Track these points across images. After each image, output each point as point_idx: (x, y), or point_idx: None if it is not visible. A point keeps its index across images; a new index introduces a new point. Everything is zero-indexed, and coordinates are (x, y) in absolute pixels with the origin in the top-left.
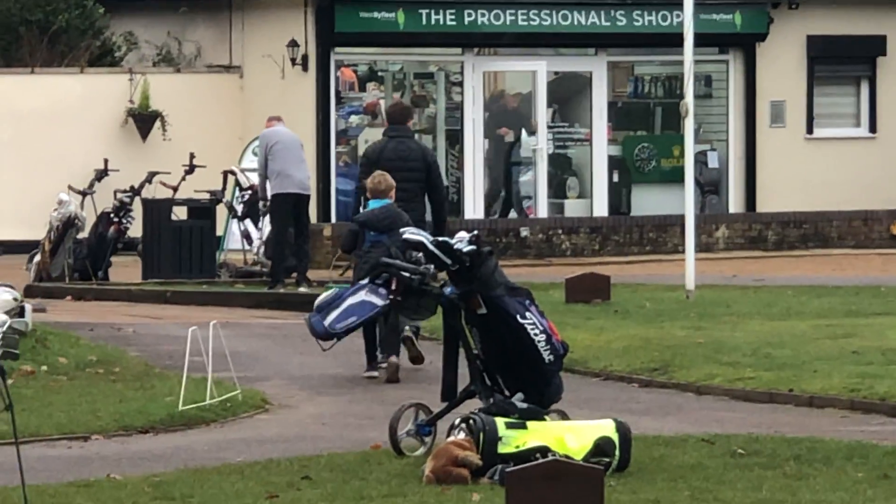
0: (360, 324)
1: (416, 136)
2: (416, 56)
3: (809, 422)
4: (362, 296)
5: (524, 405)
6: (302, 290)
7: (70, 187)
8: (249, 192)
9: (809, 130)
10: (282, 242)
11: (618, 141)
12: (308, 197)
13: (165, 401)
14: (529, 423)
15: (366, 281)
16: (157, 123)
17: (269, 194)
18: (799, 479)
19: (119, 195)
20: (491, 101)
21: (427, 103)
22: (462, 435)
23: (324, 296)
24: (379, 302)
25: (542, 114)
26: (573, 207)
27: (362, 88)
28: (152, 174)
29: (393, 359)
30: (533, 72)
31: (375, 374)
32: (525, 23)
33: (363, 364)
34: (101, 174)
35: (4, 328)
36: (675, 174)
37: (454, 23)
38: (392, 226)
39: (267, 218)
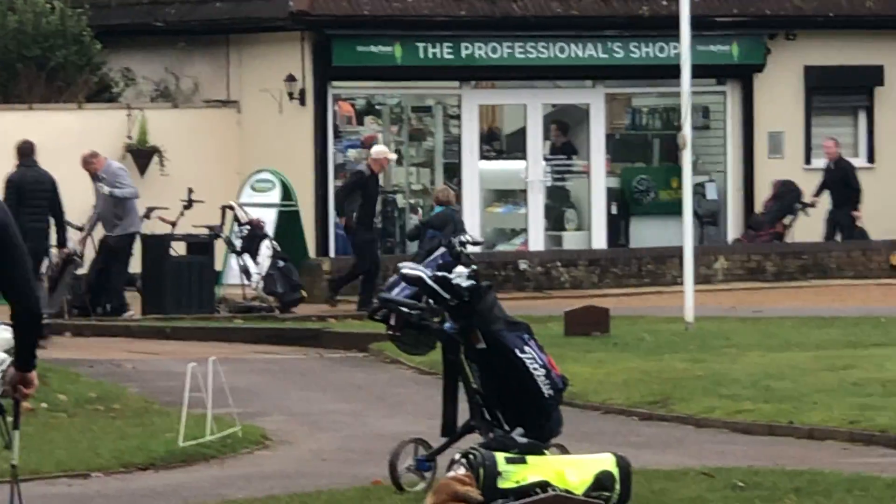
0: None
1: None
2: (413, 90)
3: (809, 454)
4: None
5: (524, 440)
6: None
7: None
8: (248, 226)
9: (807, 161)
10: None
11: (616, 173)
12: None
13: (165, 437)
14: (529, 458)
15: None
16: (155, 158)
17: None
18: None
19: None
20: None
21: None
22: (462, 470)
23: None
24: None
25: (538, 146)
26: (572, 240)
27: (360, 122)
28: (150, 209)
29: None
30: (524, 105)
31: None
32: (522, 55)
33: (362, 400)
34: None
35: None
36: (673, 206)
37: (451, 56)
38: (445, 225)
39: (264, 252)
